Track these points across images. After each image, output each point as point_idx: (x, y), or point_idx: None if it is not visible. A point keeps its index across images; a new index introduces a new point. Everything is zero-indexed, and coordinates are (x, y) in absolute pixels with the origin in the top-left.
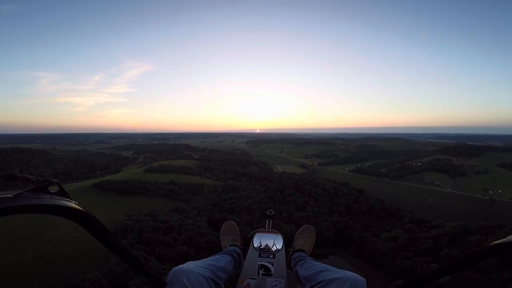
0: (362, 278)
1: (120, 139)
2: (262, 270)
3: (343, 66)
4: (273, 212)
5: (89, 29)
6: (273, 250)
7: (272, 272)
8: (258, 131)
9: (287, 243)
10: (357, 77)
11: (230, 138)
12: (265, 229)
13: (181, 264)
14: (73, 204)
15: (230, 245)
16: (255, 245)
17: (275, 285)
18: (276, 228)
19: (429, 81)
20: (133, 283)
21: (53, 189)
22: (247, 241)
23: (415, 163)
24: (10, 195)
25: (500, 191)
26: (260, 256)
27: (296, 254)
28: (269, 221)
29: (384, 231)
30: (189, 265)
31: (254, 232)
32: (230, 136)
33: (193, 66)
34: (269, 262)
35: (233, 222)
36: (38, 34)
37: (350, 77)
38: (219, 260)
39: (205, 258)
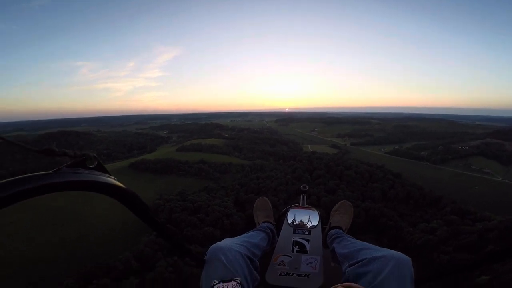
0: (408, 257)
1: (156, 120)
2: (297, 247)
3: (380, 41)
4: (307, 187)
5: (120, 17)
6: (308, 226)
7: (308, 249)
8: (287, 110)
9: (323, 219)
10: (395, 53)
11: (259, 117)
12: (299, 204)
13: (217, 241)
14: (112, 180)
15: (263, 222)
16: (289, 221)
17: (310, 262)
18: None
19: (476, 58)
20: (160, 264)
21: (91, 163)
22: (281, 217)
23: (461, 147)
24: (50, 171)
25: None
26: (294, 232)
27: (333, 231)
28: (303, 197)
29: (422, 221)
30: (226, 242)
31: (288, 208)
32: (259, 115)
33: (222, 47)
34: (304, 239)
35: (265, 198)
36: (75, 25)
37: (388, 53)
38: (254, 237)
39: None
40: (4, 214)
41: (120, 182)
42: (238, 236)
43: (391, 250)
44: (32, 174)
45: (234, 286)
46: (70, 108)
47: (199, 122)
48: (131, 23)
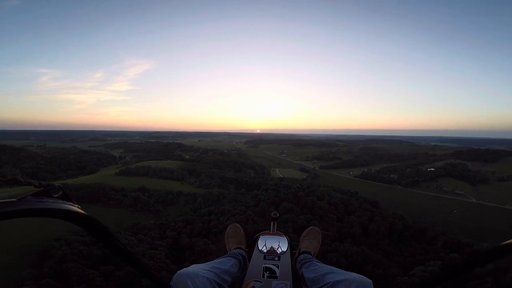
0: (369, 280)
1: (117, 137)
2: (267, 272)
3: (339, 70)
4: (277, 214)
5: (91, 25)
6: (278, 252)
7: (277, 274)
8: (258, 131)
9: (293, 245)
10: (354, 78)
11: (229, 138)
12: (270, 231)
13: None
14: (75, 208)
15: (235, 248)
16: (260, 248)
17: (281, 287)
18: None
19: (428, 83)
20: None
21: (56, 193)
22: (252, 243)
23: (428, 169)
24: (14, 199)
25: None
26: (265, 258)
27: (302, 256)
28: (273, 223)
29: (414, 262)
30: (194, 268)
31: (259, 235)
32: (229, 136)
33: (195, 65)
34: (274, 265)
35: (237, 224)
36: (39, 30)
37: (347, 79)
38: (224, 263)
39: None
40: None
41: (83, 210)
42: (207, 262)
43: (354, 273)
44: None
45: None
46: (23, 119)
47: (164, 141)
48: (103, 31)
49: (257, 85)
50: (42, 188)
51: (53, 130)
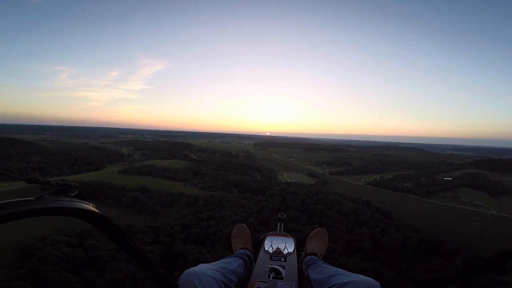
0: (376, 282)
1: (128, 134)
2: (273, 273)
3: (354, 75)
4: (284, 215)
5: (107, 25)
6: (285, 253)
7: (283, 275)
8: (268, 133)
9: (299, 246)
10: (368, 83)
11: (239, 140)
12: (276, 232)
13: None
14: (90, 207)
15: (241, 248)
16: (266, 248)
17: None
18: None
19: (444, 89)
20: None
21: (72, 192)
22: (258, 244)
23: (445, 178)
24: (32, 198)
25: None
26: (271, 259)
27: (308, 257)
28: (280, 224)
29: (432, 281)
30: (201, 267)
31: (266, 235)
32: (239, 137)
33: (207, 66)
34: (280, 266)
35: (244, 225)
36: (60, 28)
37: (361, 84)
38: (230, 263)
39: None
40: None
41: (97, 209)
42: (214, 262)
43: (361, 275)
44: (15, 200)
45: None
46: (40, 114)
47: (173, 140)
48: (119, 30)
49: (269, 87)
50: (59, 187)
51: (68, 126)
